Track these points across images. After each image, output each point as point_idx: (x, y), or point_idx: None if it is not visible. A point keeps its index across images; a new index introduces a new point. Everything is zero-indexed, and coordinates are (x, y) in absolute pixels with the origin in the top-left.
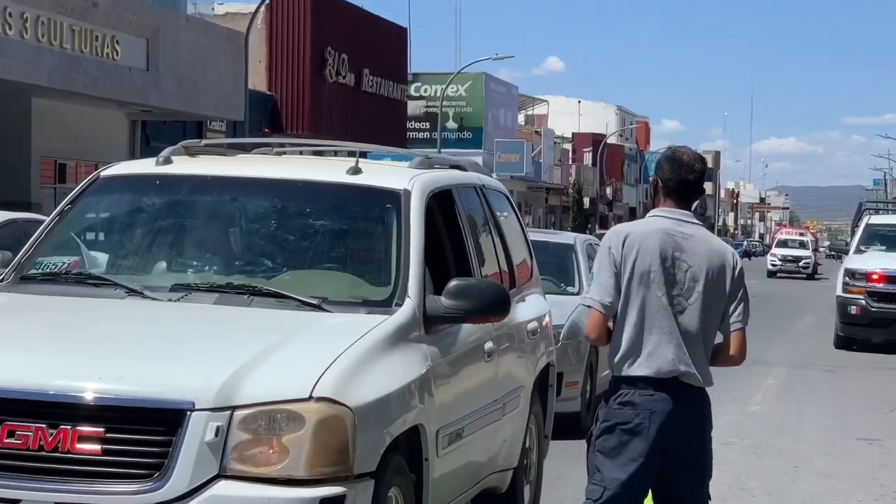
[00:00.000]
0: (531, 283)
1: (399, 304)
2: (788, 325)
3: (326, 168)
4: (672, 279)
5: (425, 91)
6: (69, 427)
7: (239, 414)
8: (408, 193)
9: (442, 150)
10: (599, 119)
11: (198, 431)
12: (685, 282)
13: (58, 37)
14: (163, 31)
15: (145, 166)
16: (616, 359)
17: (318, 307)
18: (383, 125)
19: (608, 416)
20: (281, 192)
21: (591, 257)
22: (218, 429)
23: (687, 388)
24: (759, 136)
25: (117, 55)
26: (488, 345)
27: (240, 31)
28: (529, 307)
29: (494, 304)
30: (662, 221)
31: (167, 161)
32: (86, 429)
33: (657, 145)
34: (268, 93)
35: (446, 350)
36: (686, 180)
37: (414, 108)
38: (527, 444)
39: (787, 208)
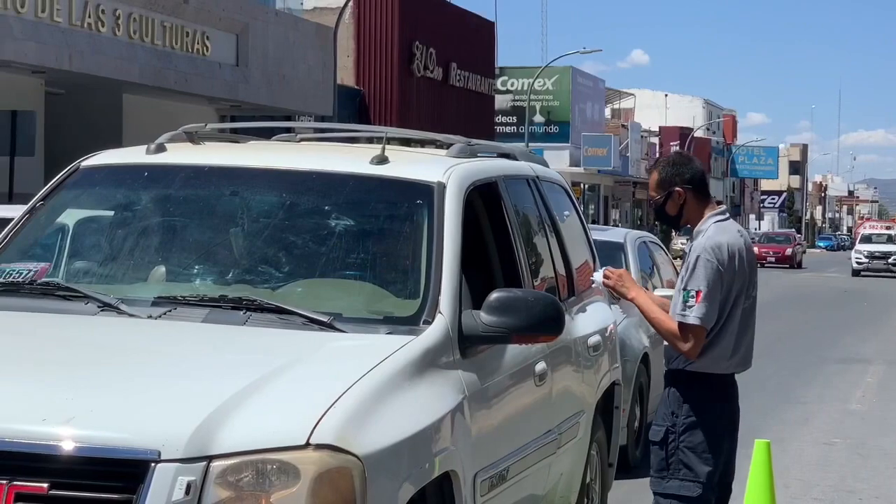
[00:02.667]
0: (594, 290)
1: (428, 322)
2: (882, 321)
3: (347, 157)
4: (749, 277)
5: (512, 85)
6: (4, 482)
7: (217, 466)
8: (442, 187)
9: (529, 145)
10: (686, 112)
11: (164, 488)
12: (751, 275)
13: (149, 33)
14: (252, 27)
15: (134, 155)
16: (710, 357)
17: (328, 326)
18: (471, 119)
19: (695, 412)
20: (291, 186)
21: (649, 257)
22: (189, 484)
23: (734, 378)
24: (846, 129)
25: (207, 51)
26: (540, 366)
27: (328, 26)
28: (591, 318)
29: (544, 321)
30: (727, 225)
31: (160, 149)
32: (25, 484)
33: (744, 138)
34: (356, 87)
35: (487, 376)
36: (701, 170)
37: (501, 102)
38: (588, 478)
39: (877, 201)
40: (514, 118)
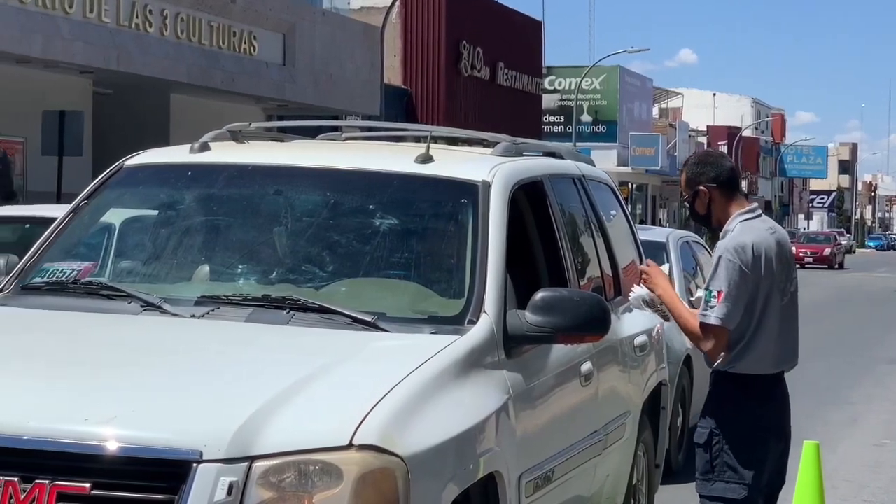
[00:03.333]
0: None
1: (473, 322)
2: None
3: (392, 156)
4: (783, 276)
5: (559, 84)
6: (47, 482)
7: (259, 466)
8: (487, 186)
9: (576, 144)
10: (734, 112)
11: (206, 488)
12: (787, 273)
13: (196, 33)
14: (299, 27)
15: (177, 154)
16: (743, 359)
17: (372, 325)
18: (518, 119)
19: (738, 414)
20: (335, 184)
21: (692, 257)
22: (231, 485)
23: (783, 377)
24: None
25: (254, 51)
26: (586, 366)
27: (375, 25)
28: (638, 318)
29: (590, 321)
30: (756, 223)
31: (204, 148)
32: (67, 483)
33: (793, 138)
34: (403, 87)
35: (532, 376)
36: (730, 168)
37: (548, 101)
38: (634, 479)
39: None
40: (562, 118)
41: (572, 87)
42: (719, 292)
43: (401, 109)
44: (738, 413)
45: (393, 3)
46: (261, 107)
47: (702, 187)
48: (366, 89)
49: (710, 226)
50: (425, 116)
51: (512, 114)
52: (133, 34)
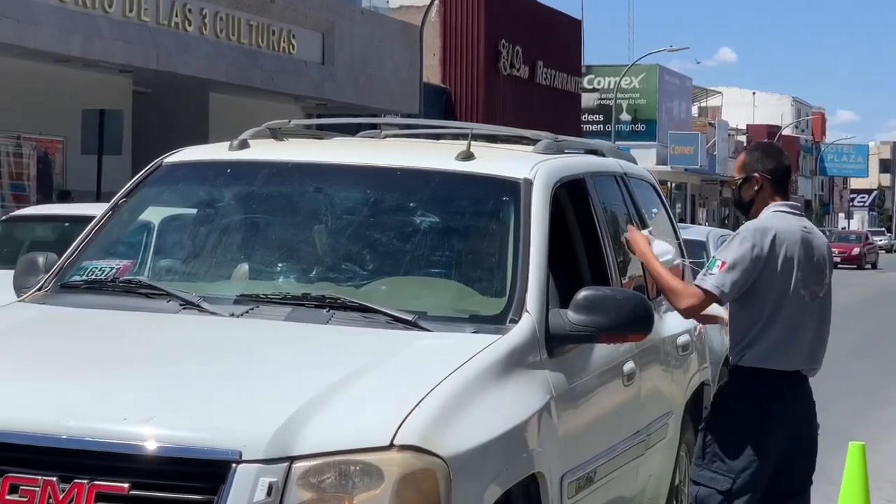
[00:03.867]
0: None
1: (514, 321)
2: None
3: (432, 153)
4: (812, 277)
5: (598, 83)
6: (85, 481)
7: (299, 467)
8: (529, 183)
9: (616, 143)
10: (774, 110)
11: (245, 489)
12: (817, 275)
13: (235, 32)
14: (338, 25)
15: (216, 151)
16: (752, 351)
17: (413, 324)
18: (557, 118)
19: (737, 406)
20: (375, 182)
21: None
22: (271, 486)
23: (805, 379)
24: None
25: (293, 49)
26: (628, 366)
27: (414, 24)
28: (680, 318)
29: (633, 320)
30: (790, 218)
31: (243, 145)
32: (106, 483)
33: (833, 136)
34: (442, 86)
35: (574, 376)
36: (787, 166)
37: (587, 100)
38: (677, 479)
39: None
40: (601, 116)
41: (611, 85)
42: (723, 263)
43: (439, 108)
44: (735, 405)
45: (432, 2)
46: (300, 106)
47: (756, 174)
48: (405, 88)
49: (747, 214)
50: (464, 115)
51: (551, 113)
52: (172, 33)
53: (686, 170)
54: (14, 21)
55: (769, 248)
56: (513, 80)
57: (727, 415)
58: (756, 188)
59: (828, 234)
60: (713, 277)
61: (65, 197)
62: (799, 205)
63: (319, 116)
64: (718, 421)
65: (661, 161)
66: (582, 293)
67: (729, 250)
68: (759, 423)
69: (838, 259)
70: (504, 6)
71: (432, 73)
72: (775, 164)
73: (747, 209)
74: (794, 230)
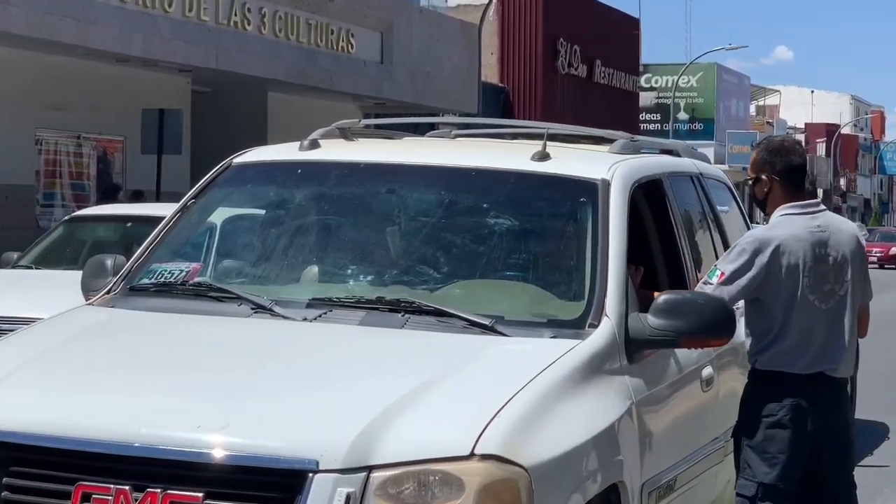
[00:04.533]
0: None
1: (594, 325)
2: None
3: (507, 153)
4: (824, 276)
5: (656, 82)
6: (159, 490)
7: (377, 476)
8: (606, 184)
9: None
10: (833, 109)
11: (322, 499)
12: (835, 274)
13: (294, 31)
14: (397, 24)
15: (287, 152)
16: (765, 355)
17: (490, 329)
18: (615, 117)
19: (760, 411)
20: (449, 183)
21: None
22: (349, 496)
23: (830, 379)
24: None
25: (352, 48)
26: (707, 370)
27: (472, 23)
28: None
29: (715, 325)
30: (798, 220)
31: (314, 145)
32: (179, 492)
33: (893, 135)
34: (500, 85)
35: (653, 381)
36: (797, 165)
37: (645, 99)
38: None
39: None
40: (658, 115)
41: (669, 84)
42: (721, 273)
43: (497, 107)
44: (753, 410)
45: (490, 1)
46: (358, 105)
47: (763, 176)
48: (463, 87)
49: (765, 211)
50: (522, 114)
51: (609, 112)
52: (231, 32)
53: (744, 168)
54: (75, 21)
55: (770, 258)
56: (571, 78)
57: (748, 420)
58: (766, 189)
59: (870, 233)
60: (710, 287)
61: (138, 197)
62: (814, 201)
63: (377, 116)
64: (741, 427)
65: (719, 160)
66: (663, 297)
67: (728, 261)
68: (778, 427)
69: (874, 259)
70: (562, 5)
71: (490, 72)
72: (784, 165)
73: (763, 206)
74: (801, 234)
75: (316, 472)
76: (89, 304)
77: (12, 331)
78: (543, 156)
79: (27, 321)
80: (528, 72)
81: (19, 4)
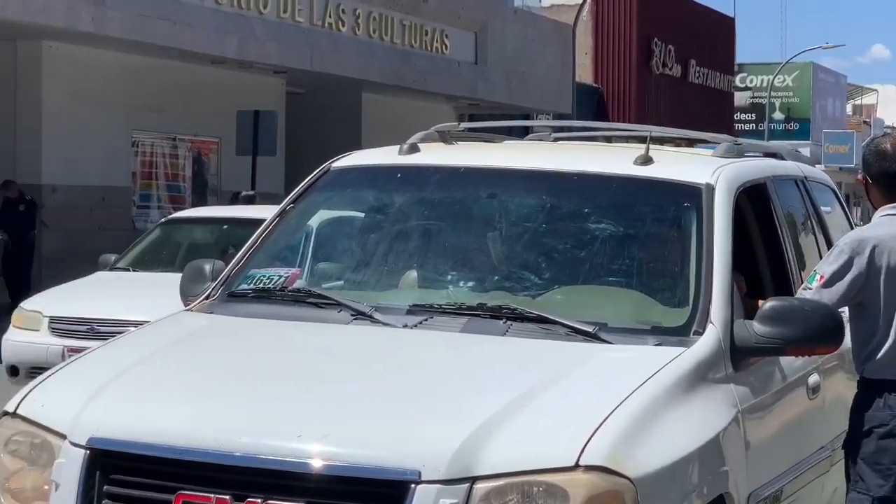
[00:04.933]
0: None
1: (699, 332)
2: None
3: (609, 157)
4: None
5: (751, 82)
6: (259, 500)
7: (480, 488)
8: (711, 189)
9: (769, 142)
10: None
11: None
12: None
13: (388, 32)
14: (491, 25)
15: (386, 155)
16: (872, 363)
17: (593, 336)
18: (710, 117)
19: (869, 421)
20: (551, 187)
21: None
22: None
23: None
24: None
25: (446, 49)
26: (813, 378)
27: (566, 23)
28: None
29: (822, 332)
30: None
31: (413, 149)
32: (280, 502)
33: None
34: (594, 85)
35: (759, 390)
36: (890, 172)
37: (740, 99)
38: None
39: None
40: (753, 115)
41: (764, 84)
42: (821, 276)
43: (591, 108)
44: (864, 421)
45: (585, 1)
46: (451, 106)
47: (858, 176)
48: (557, 88)
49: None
50: (616, 115)
51: (703, 112)
52: (326, 34)
53: (840, 169)
54: (171, 23)
55: (868, 260)
56: (665, 79)
57: (859, 431)
58: (866, 191)
59: None
60: (810, 292)
61: (250, 200)
62: None
63: (471, 117)
64: (852, 438)
65: (815, 160)
66: (769, 304)
67: (827, 263)
68: (890, 437)
69: None
70: (657, 4)
71: (584, 73)
72: (878, 169)
73: (872, 204)
74: None
75: (418, 482)
76: (188, 310)
77: (110, 332)
78: (646, 160)
79: (124, 323)
80: (622, 72)
81: (116, 7)
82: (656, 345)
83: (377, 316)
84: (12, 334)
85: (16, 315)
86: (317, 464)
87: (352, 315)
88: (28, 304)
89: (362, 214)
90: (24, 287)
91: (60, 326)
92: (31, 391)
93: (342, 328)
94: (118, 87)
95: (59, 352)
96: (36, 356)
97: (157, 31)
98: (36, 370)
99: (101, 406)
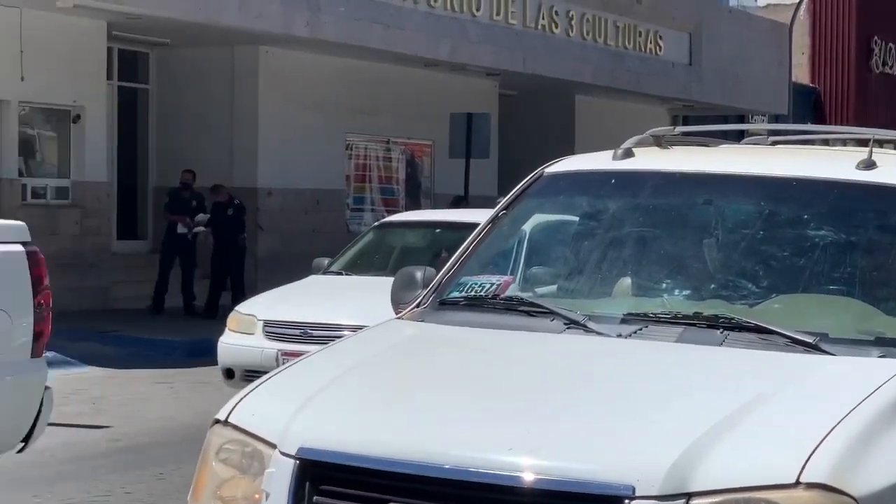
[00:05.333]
0: None
1: None
2: None
3: (829, 161)
4: None
5: None
6: None
7: None
8: None
9: None
10: None
11: None
12: None
13: (602, 34)
14: (705, 25)
15: (600, 161)
16: None
17: (813, 347)
18: None
19: None
20: (769, 193)
21: None
22: None
23: None
24: None
25: (660, 50)
26: None
27: (783, 22)
28: None
29: None
30: None
31: (628, 154)
32: None
33: None
34: (810, 86)
35: None
36: None
37: None
38: None
39: None
40: None
41: None
42: None
43: (808, 109)
44: None
45: (801, 0)
46: (665, 108)
47: None
48: (773, 88)
49: None
50: (834, 116)
51: None
52: (539, 35)
53: None
54: (384, 27)
55: None
56: (885, 78)
57: None
58: None
59: None
60: None
61: (458, 202)
62: None
63: (685, 119)
64: None
65: None
66: None
67: None
68: None
69: None
70: (877, 1)
71: (801, 73)
72: None
73: None
74: None
75: (632, 498)
76: (399, 318)
77: (323, 336)
78: (869, 164)
79: (337, 328)
80: (840, 71)
81: (330, 12)
82: (880, 356)
83: (591, 325)
84: (228, 337)
85: (231, 318)
86: (528, 477)
87: (565, 324)
88: (243, 308)
89: (576, 219)
90: (237, 291)
91: (274, 330)
92: (241, 399)
93: (554, 337)
94: (332, 90)
95: (273, 355)
96: (251, 359)
97: (370, 35)
98: (251, 373)
99: (311, 416)
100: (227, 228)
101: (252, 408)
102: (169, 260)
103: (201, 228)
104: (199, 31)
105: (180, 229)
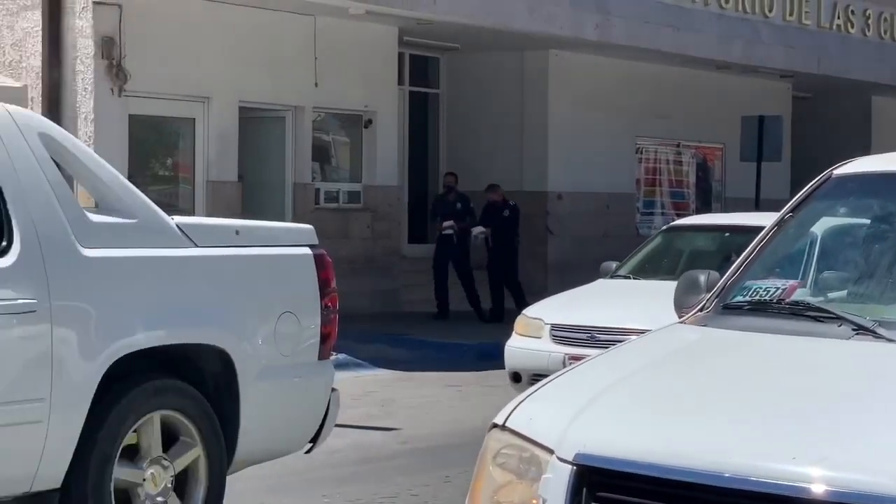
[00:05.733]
0: None
1: None
2: None
3: None
4: None
5: None
6: None
7: None
8: None
9: None
10: None
11: None
12: None
13: None
14: None
15: (892, 162)
16: None
17: None
18: None
19: None
20: None
21: None
22: None
23: None
24: None
25: None
26: None
27: None
28: None
29: None
30: None
31: None
32: None
33: None
34: None
35: None
36: None
37: None
38: None
39: None
40: None
41: None
42: None
43: None
44: None
45: None
46: None
47: None
48: None
49: None
50: None
51: None
52: (834, 35)
53: None
54: (675, 30)
55: None
56: None
57: None
58: None
59: None
60: None
61: (492, 189)
62: None
63: None
64: None
65: None
66: None
67: None
68: None
69: None
70: None
71: None
72: None
73: None
74: None
75: None
76: (681, 323)
77: (610, 341)
78: None
79: (624, 332)
80: None
81: (620, 15)
82: None
83: (881, 331)
84: (515, 341)
85: (519, 322)
86: (815, 489)
87: (853, 329)
88: (530, 311)
89: (867, 222)
90: (515, 293)
91: (561, 334)
92: (519, 404)
93: (841, 343)
94: (622, 93)
95: (559, 359)
96: (537, 363)
97: (661, 38)
98: (538, 377)
99: (588, 421)
100: (502, 230)
101: (529, 412)
102: (441, 266)
103: (481, 231)
104: (490, 36)
105: (446, 231)
